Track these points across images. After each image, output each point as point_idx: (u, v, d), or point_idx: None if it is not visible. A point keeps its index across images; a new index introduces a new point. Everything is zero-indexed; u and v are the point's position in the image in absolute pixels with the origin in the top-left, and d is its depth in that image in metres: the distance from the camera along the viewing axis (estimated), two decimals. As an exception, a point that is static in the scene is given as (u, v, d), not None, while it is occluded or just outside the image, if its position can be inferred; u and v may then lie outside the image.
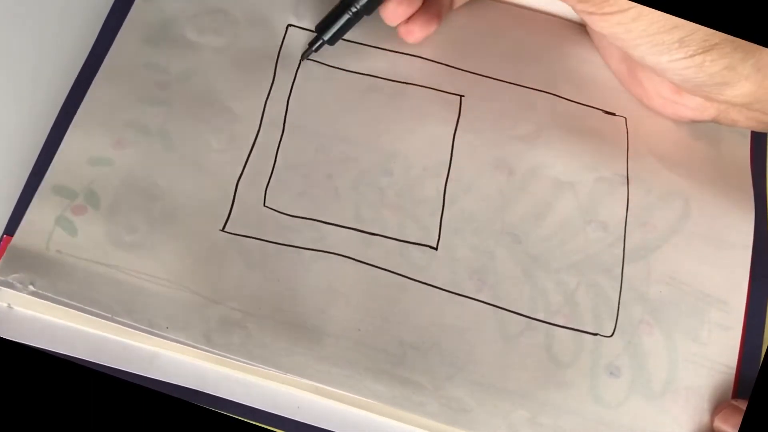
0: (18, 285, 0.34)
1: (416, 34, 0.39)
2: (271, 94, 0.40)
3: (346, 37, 0.41)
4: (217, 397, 0.34)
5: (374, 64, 0.41)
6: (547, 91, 0.41)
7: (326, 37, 0.39)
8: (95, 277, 0.34)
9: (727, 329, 0.36)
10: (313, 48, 0.40)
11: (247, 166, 0.38)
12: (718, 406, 0.34)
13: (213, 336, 0.34)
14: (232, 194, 0.37)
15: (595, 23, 0.35)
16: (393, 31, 0.41)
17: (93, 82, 0.38)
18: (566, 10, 0.43)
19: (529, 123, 0.40)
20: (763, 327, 0.36)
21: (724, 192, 0.39)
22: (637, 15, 0.33)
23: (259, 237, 0.36)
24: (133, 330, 0.34)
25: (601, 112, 0.41)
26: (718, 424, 0.34)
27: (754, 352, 0.36)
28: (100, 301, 0.34)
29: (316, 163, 0.38)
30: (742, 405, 0.34)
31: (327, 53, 0.41)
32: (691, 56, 0.34)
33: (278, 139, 0.39)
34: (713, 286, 0.37)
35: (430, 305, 0.36)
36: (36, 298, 0.34)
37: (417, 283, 0.36)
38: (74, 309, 0.34)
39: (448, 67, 0.41)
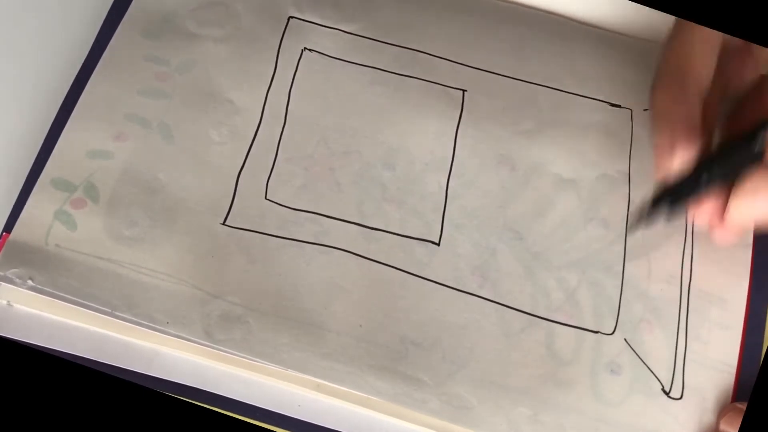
0: (17, 280, 0.33)
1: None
2: (272, 86, 0.39)
3: (347, 29, 0.41)
4: (218, 395, 0.34)
5: (377, 56, 0.40)
6: (550, 86, 0.41)
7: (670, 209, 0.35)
8: (95, 272, 0.34)
9: (728, 328, 0.36)
10: (644, 220, 0.35)
11: (248, 158, 0.38)
12: (723, 409, 0.34)
13: (214, 331, 0.34)
14: (233, 187, 0.37)
15: None
16: (396, 24, 0.41)
17: (92, 75, 0.38)
18: (567, 9, 0.43)
19: (531, 119, 0.40)
20: (763, 326, 0.37)
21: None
22: None
23: (260, 231, 0.36)
24: (133, 325, 0.34)
25: (606, 104, 0.40)
26: (724, 427, 0.34)
27: (755, 351, 0.36)
28: (100, 296, 0.34)
29: (318, 156, 0.38)
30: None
31: (329, 45, 0.40)
32: None
33: (279, 132, 0.38)
34: (714, 285, 0.37)
35: (432, 301, 0.36)
36: (36, 295, 0.34)
37: (419, 279, 0.36)
38: (74, 304, 0.33)
39: (450, 62, 0.41)
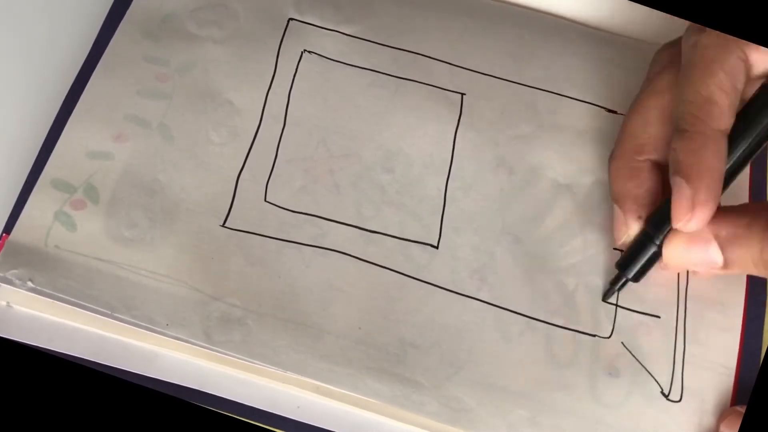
0: (16, 281, 0.34)
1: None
2: (272, 88, 0.39)
3: (346, 31, 0.41)
4: (217, 396, 0.34)
5: (376, 59, 0.40)
6: (548, 89, 0.41)
7: (630, 275, 0.36)
8: (94, 274, 0.34)
9: (726, 330, 0.36)
10: (616, 288, 0.36)
11: (247, 160, 0.38)
12: (723, 413, 0.34)
13: (213, 333, 0.34)
14: (233, 189, 0.37)
15: None
16: (395, 26, 0.41)
17: (92, 76, 0.38)
18: (568, 10, 0.43)
19: (529, 123, 0.40)
20: (761, 328, 0.37)
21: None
22: None
23: (259, 233, 0.36)
24: (132, 327, 0.34)
25: (603, 110, 0.40)
26: (724, 429, 0.34)
27: (753, 353, 0.36)
28: (99, 298, 0.34)
29: (317, 158, 0.38)
30: None
31: (328, 47, 0.40)
32: None
33: (279, 133, 0.38)
34: (711, 288, 0.37)
35: (430, 304, 0.36)
36: (35, 296, 0.34)
37: (418, 281, 0.36)
38: (73, 305, 0.33)
39: (449, 65, 0.41)
